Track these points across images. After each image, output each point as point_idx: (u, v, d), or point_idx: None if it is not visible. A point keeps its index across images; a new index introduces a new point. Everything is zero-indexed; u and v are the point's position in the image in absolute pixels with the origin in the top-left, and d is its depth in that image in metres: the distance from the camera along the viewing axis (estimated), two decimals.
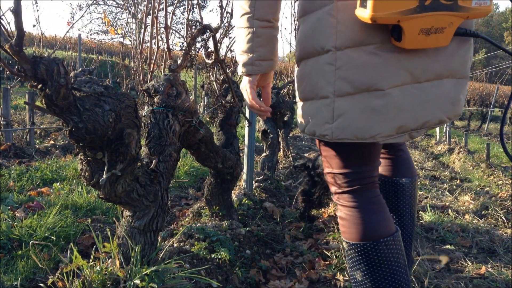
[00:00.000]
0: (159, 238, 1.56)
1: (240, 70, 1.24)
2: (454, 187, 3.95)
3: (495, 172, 4.56)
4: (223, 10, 1.90)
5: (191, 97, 1.68)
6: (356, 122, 1.09)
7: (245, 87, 1.26)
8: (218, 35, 1.82)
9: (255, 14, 1.15)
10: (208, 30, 1.63)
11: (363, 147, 1.18)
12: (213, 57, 1.81)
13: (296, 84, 1.26)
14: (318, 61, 1.12)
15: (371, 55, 1.05)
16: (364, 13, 1.00)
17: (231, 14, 1.97)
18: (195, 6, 1.94)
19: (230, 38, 2.14)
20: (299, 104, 1.26)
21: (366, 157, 1.22)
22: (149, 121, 1.49)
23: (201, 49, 1.94)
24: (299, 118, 1.27)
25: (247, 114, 2.87)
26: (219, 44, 2.00)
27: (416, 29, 1.00)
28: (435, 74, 1.11)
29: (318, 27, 1.11)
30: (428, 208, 3.00)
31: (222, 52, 2.15)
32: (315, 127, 1.18)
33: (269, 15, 1.17)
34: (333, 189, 1.28)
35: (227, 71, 2.39)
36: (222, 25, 1.89)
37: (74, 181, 3.09)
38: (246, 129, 2.94)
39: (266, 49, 1.20)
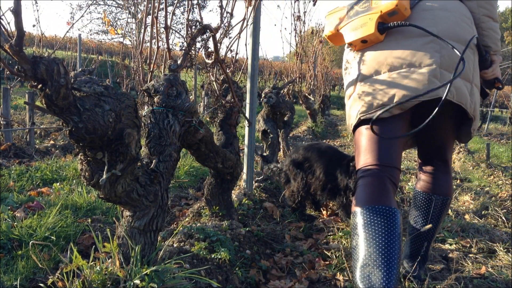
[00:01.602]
0: (159, 238, 1.56)
1: None
2: (454, 187, 3.95)
3: (495, 172, 4.56)
4: (223, 10, 1.90)
5: (191, 97, 1.68)
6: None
7: None
8: (218, 35, 1.82)
9: None
10: (208, 30, 1.63)
11: None
12: (213, 57, 1.81)
13: None
14: None
15: None
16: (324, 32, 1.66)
17: (231, 14, 1.96)
18: (195, 6, 1.94)
19: (230, 38, 2.13)
20: None
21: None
22: (149, 121, 1.49)
23: (201, 49, 1.94)
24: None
25: (247, 114, 2.87)
26: (219, 44, 2.00)
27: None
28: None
29: None
30: None
31: (222, 52, 2.15)
32: None
33: None
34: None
35: (227, 71, 2.39)
36: (222, 25, 1.89)
37: (74, 181, 3.09)
38: (246, 129, 2.94)
39: None
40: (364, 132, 1.52)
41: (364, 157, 1.50)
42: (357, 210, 1.40)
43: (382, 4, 1.47)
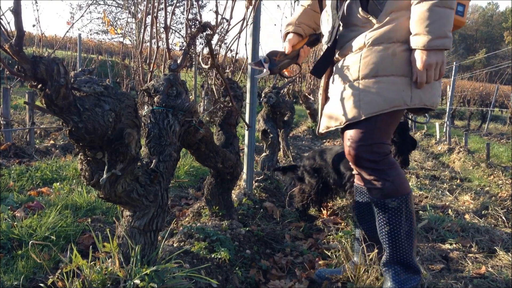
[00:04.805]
0: (159, 238, 1.56)
1: (445, 44, 1.40)
2: (454, 186, 3.95)
3: (495, 172, 4.56)
4: (219, 15, 1.87)
5: (191, 97, 1.68)
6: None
7: (440, 62, 1.42)
8: (215, 39, 1.81)
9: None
10: (208, 28, 1.63)
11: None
12: (209, 62, 1.80)
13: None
14: None
15: None
16: (462, 19, 1.51)
17: (228, 20, 1.95)
18: (194, 5, 1.94)
19: (225, 43, 2.12)
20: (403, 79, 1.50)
21: None
22: (149, 121, 1.49)
23: (202, 49, 1.93)
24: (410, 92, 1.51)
25: (247, 114, 2.87)
26: (218, 48, 2.00)
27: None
28: None
29: None
30: (428, 207, 3.01)
31: (222, 51, 2.15)
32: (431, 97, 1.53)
33: None
34: (378, 156, 1.55)
35: (227, 70, 2.39)
36: (218, 30, 1.86)
37: (74, 181, 3.09)
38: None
39: None
40: (396, 118, 1.58)
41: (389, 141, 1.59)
42: (409, 194, 1.56)
43: None
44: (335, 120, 1.60)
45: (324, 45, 1.71)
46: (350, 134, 1.57)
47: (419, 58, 1.41)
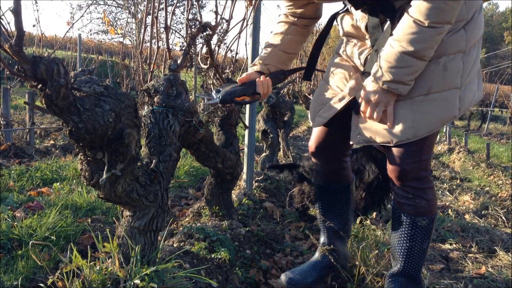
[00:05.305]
0: (159, 238, 1.56)
1: (399, 90, 1.36)
2: (454, 187, 3.95)
3: (495, 172, 4.57)
4: (218, 15, 1.87)
5: (191, 97, 1.68)
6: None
7: (387, 102, 1.39)
8: (214, 40, 1.81)
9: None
10: (208, 28, 1.63)
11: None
12: (208, 62, 1.80)
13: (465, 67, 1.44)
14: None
15: None
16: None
17: (228, 21, 1.94)
18: (194, 5, 1.94)
19: (225, 44, 2.11)
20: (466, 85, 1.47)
21: None
22: (149, 121, 1.49)
23: (202, 49, 1.93)
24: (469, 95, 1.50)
25: (247, 114, 2.88)
26: (219, 44, 2.00)
27: None
28: None
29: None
30: None
31: (222, 52, 2.14)
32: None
33: None
34: (424, 173, 1.53)
35: (227, 71, 2.39)
36: (217, 30, 1.85)
37: (74, 181, 3.09)
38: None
39: None
40: None
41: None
42: (436, 215, 1.60)
43: None
44: (382, 137, 1.49)
45: (355, 50, 1.59)
46: (399, 150, 1.51)
47: (371, 88, 1.39)
